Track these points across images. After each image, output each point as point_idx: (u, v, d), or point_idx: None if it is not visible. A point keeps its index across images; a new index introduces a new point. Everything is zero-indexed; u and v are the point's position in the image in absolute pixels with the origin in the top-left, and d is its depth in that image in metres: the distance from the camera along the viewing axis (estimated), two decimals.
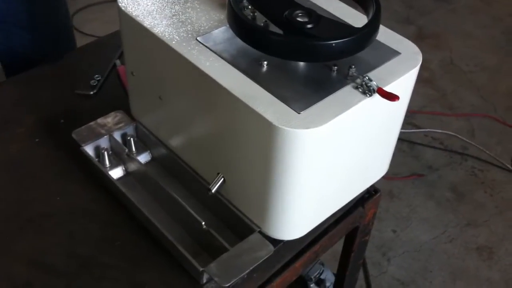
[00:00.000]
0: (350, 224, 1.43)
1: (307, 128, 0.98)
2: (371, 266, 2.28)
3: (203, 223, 1.16)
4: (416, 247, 2.40)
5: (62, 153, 1.33)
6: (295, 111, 1.00)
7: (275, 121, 0.97)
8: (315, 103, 1.02)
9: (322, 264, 1.96)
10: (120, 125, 1.32)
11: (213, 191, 1.19)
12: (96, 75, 1.57)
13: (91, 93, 1.52)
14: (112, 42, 1.71)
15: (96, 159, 1.27)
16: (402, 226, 2.48)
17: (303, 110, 1.01)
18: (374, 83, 1.04)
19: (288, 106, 1.01)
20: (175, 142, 1.31)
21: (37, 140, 1.39)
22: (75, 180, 1.28)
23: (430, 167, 2.77)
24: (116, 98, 1.50)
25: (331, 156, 1.07)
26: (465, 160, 2.83)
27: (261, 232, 1.15)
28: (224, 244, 1.13)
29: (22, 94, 1.51)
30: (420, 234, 2.46)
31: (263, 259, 1.11)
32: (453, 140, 2.93)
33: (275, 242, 1.16)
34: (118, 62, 1.62)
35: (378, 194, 1.47)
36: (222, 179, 1.19)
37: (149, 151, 1.33)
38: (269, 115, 0.98)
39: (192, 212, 1.18)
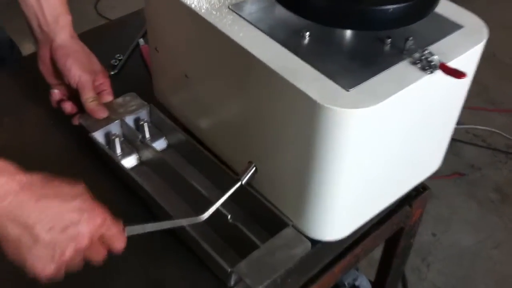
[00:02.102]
0: (395, 225, 1.27)
1: (357, 107, 0.83)
2: (409, 272, 2.11)
3: (229, 216, 1.02)
4: (458, 252, 2.22)
5: (75, 139, 1.20)
6: (342, 88, 0.86)
7: (319, 99, 0.83)
8: (366, 80, 0.87)
9: (357, 269, 1.80)
10: (132, 108, 1.18)
11: (243, 182, 1.05)
12: (118, 55, 1.44)
13: (112, 73, 1.39)
14: (136, 21, 1.58)
15: (107, 146, 1.14)
16: (442, 229, 2.30)
17: (352, 87, 0.86)
18: (437, 57, 0.89)
19: (335, 82, 0.86)
20: (200, 126, 1.17)
21: (51, 122, 1.27)
22: (88, 168, 1.15)
23: (472, 166, 2.58)
24: (138, 79, 1.38)
25: (382, 142, 0.92)
26: (510, 159, 2.63)
27: (295, 228, 1.01)
28: (253, 240, 0.99)
29: (39, 74, 1.39)
30: (462, 237, 2.28)
31: (299, 257, 0.96)
32: (497, 137, 2.74)
33: (312, 242, 1.00)
34: (141, 41, 1.49)
35: (427, 191, 1.30)
36: (254, 168, 1.05)
37: (164, 137, 1.20)
38: (312, 92, 0.84)
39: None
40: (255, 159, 1.05)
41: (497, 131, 2.74)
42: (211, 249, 0.96)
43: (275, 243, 0.98)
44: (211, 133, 1.16)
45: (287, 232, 1.00)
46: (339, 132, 0.85)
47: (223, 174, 1.11)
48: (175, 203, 1.11)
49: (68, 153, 1.19)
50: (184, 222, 0.98)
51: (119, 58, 1.44)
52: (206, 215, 0.98)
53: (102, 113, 1.16)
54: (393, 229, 1.29)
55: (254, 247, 0.96)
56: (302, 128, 0.88)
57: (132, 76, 1.39)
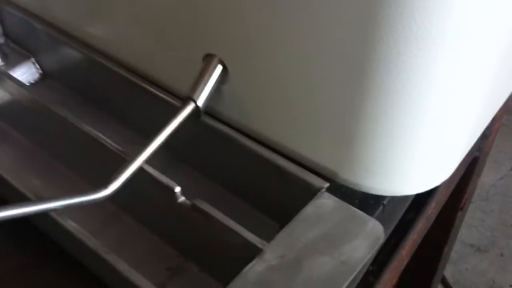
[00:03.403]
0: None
1: None
2: None
3: (177, 189, 0.44)
4: None
5: None
6: None
7: None
8: None
9: None
10: None
11: (199, 102, 0.46)
12: None
13: None
14: None
15: None
16: None
17: None
18: None
19: None
20: (98, 25, 0.57)
21: None
22: None
23: None
24: None
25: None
26: None
27: (331, 192, 0.44)
28: (236, 235, 0.41)
29: None
30: None
31: (370, 257, 0.40)
32: None
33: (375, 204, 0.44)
34: None
35: None
36: (220, 66, 0.46)
37: (33, 59, 0.60)
38: None
39: (155, 174, 0.46)
40: (222, 49, 0.46)
41: None
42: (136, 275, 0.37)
43: (297, 233, 0.40)
44: (122, 33, 0.56)
45: (323, 202, 0.42)
46: None
47: (158, 105, 0.52)
48: (60, 177, 0.52)
49: None
50: (59, 203, 0.39)
51: None
52: (112, 187, 0.40)
53: None
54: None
55: (242, 253, 0.38)
56: None
57: None
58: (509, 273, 1.51)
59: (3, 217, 0.39)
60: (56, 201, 0.42)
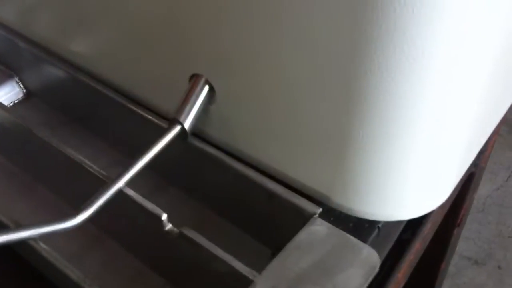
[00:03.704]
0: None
1: None
2: None
3: (164, 216, 0.43)
4: None
5: None
6: None
7: None
8: None
9: None
10: None
11: (185, 124, 0.45)
12: None
13: None
14: None
15: None
16: None
17: None
18: None
19: None
20: (81, 41, 0.55)
21: None
22: None
23: None
24: None
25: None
26: None
27: (324, 216, 0.42)
28: (225, 265, 0.39)
29: None
30: None
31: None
32: None
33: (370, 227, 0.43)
34: None
35: None
36: (207, 86, 0.45)
37: (16, 78, 0.59)
38: None
39: (140, 200, 0.44)
40: (207, 69, 0.45)
41: None
42: None
43: (289, 262, 0.38)
44: (106, 52, 0.54)
45: (316, 229, 0.40)
46: None
47: (144, 126, 0.50)
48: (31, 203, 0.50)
49: None
50: (26, 233, 0.37)
51: None
52: (81, 216, 0.38)
53: None
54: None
55: (232, 284, 0.36)
56: None
57: None
58: (507, 286, 1.49)
59: None
60: (23, 230, 0.39)
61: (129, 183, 0.43)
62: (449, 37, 0.33)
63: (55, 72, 0.60)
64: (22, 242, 0.41)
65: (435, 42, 0.33)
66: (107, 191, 0.40)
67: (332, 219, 0.44)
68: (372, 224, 0.47)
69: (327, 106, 0.38)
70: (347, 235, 0.40)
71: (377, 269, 0.38)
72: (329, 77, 0.37)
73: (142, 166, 0.43)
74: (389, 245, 0.55)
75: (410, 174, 0.40)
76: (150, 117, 0.51)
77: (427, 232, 0.62)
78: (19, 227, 0.38)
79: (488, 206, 1.70)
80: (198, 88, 0.46)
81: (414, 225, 0.58)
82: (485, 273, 1.52)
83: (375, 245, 0.44)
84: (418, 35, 0.33)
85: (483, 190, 1.70)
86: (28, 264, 0.47)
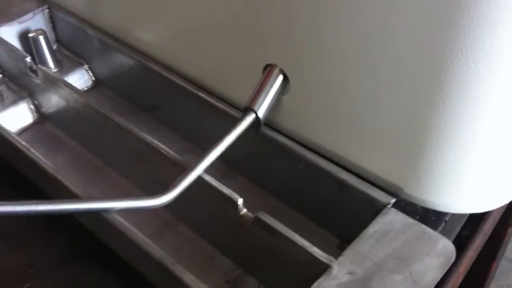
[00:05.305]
0: None
1: None
2: None
3: (239, 201, 0.44)
4: None
5: None
6: None
7: None
8: None
9: None
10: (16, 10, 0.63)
11: (259, 113, 0.46)
12: None
13: None
14: None
15: None
16: None
17: None
18: None
19: None
20: (154, 33, 0.57)
21: None
22: None
23: None
24: None
25: None
26: None
27: (399, 205, 0.43)
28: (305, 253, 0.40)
29: None
30: None
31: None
32: None
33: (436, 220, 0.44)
34: None
35: None
36: (281, 76, 0.46)
37: (87, 66, 0.61)
38: None
39: (217, 185, 0.45)
40: (282, 58, 0.46)
41: None
42: None
43: (365, 250, 0.39)
44: (178, 41, 0.56)
45: (390, 219, 0.41)
46: None
47: (215, 115, 0.51)
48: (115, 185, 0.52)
49: None
50: (114, 205, 0.39)
51: None
52: (169, 195, 0.39)
53: None
54: None
55: (307, 269, 0.37)
56: None
57: None
58: None
59: (60, 210, 0.39)
60: (112, 201, 0.42)
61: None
62: None
63: (124, 60, 0.62)
64: (106, 222, 0.43)
65: None
66: (190, 175, 0.42)
67: (399, 211, 0.45)
68: (439, 217, 0.47)
69: (407, 97, 0.39)
70: (423, 225, 0.41)
71: (453, 260, 0.39)
72: (412, 68, 0.37)
73: (220, 154, 0.44)
74: (452, 239, 0.55)
75: (487, 167, 0.40)
76: (222, 106, 0.52)
77: (488, 228, 0.61)
78: (109, 198, 0.40)
79: None
80: (272, 78, 0.47)
81: (473, 221, 0.58)
82: None
83: None
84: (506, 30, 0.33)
85: None
86: (105, 246, 0.49)
